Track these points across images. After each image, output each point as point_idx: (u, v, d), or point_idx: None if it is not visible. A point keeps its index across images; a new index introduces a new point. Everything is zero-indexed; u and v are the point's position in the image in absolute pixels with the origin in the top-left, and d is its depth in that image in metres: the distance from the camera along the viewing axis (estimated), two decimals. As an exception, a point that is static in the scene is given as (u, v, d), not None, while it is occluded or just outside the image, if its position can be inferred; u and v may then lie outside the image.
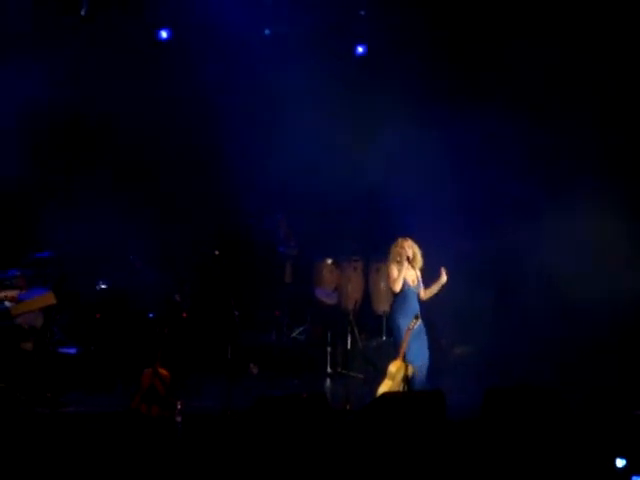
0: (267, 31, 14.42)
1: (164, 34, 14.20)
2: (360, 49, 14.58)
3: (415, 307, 10.64)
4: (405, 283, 10.64)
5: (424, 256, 10.78)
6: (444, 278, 10.63)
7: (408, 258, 10.65)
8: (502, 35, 13.41)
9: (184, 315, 13.09)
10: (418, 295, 10.74)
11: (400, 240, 10.79)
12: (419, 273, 10.77)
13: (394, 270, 10.68)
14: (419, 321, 10.44)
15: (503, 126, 13.03)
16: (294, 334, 14.42)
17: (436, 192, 13.20)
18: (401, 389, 10.25)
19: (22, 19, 13.15)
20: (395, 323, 10.64)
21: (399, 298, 10.69)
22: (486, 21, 13.62)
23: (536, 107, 13.24)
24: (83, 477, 7.97)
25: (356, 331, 13.55)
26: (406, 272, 10.68)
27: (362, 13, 14.18)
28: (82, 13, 13.57)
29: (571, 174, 13.06)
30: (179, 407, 10.22)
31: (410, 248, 10.73)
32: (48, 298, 11.05)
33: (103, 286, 13.30)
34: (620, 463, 8.06)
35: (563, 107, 13.19)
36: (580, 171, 12.99)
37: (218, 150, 14.11)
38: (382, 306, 13.88)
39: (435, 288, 10.72)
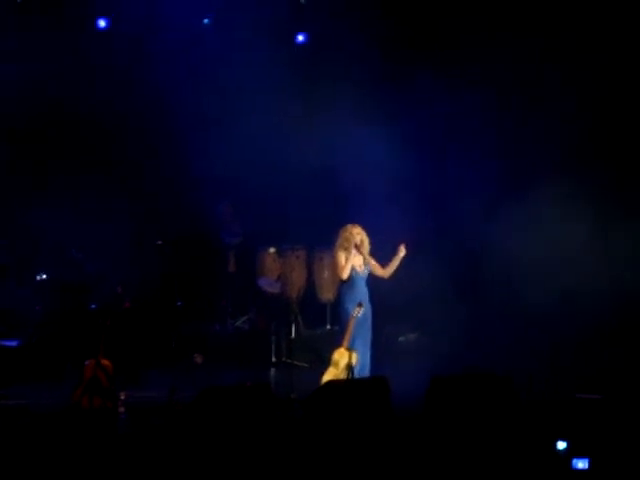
0: (206, 20, 14.34)
1: (102, 23, 14.03)
2: (300, 37, 14.57)
3: (362, 293, 10.63)
4: (352, 270, 10.63)
5: (372, 243, 10.78)
6: (402, 252, 10.61)
7: (356, 245, 10.64)
8: (457, 17, 13.42)
9: (127, 306, 13.03)
10: (365, 281, 10.73)
11: (349, 226, 10.76)
12: (368, 258, 10.74)
13: (342, 257, 10.65)
14: (363, 309, 10.44)
15: (460, 109, 13.08)
16: (238, 323, 14.39)
17: (388, 179, 13.19)
18: (345, 377, 10.26)
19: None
20: (342, 310, 10.64)
21: (346, 285, 10.67)
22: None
23: (495, 88, 13.17)
24: (25, 471, 7.88)
25: (300, 320, 13.55)
26: (354, 258, 10.67)
27: (302, 2, 14.17)
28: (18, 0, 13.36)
29: (539, 161, 13.09)
30: (122, 398, 10.18)
31: (359, 235, 10.71)
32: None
33: (43, 276, 13.18)
34: (561, 445, 8.13)
35: (529, 89, 13.14)
36: (549, 158, 13.02)
37: (161, 139, 14.01)
38: (326, 295, 13.89)
39: (395, 263, 10.65)
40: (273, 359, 13.27)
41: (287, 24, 14.33)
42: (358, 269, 10.66)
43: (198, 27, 14.16)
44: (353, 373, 10.35)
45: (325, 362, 10.64)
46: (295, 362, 12.76)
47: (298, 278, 13.85)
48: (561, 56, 12.89)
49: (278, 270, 13.97)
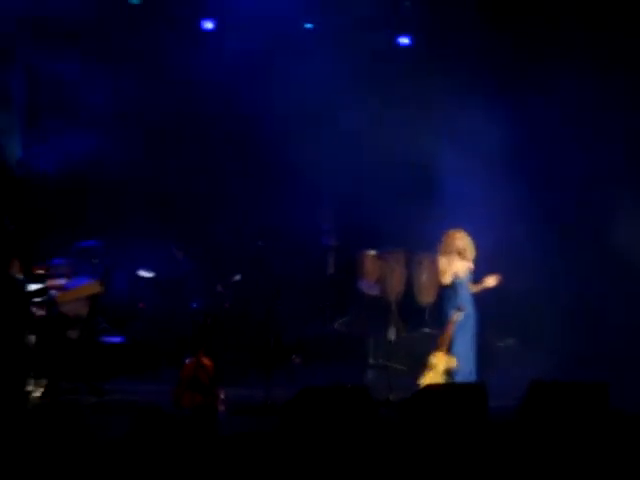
0: (308, 25, 14.40)
1: (209, 25, 14.21)
2: (405, 40, 14.53)
3: (464, 299, 10.63)
4: (455, 275, 10.64)
5: (477, 247, 10.78)
6: (490, 283, 10.61)
7: (458, 250, 10.65)
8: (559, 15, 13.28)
9: (227, 306, 13.18)
10: (468, 286, 10.74)
11: (452, 232, 10.80)
12: (471, 265, 10.75)
13: (444, 262, 10.70)
14: (462, 313, 10.43)
15: (564, 111, 12.92)
16: (336, 325, 14.43)
17: (493, 182, 13.07)
18: (443, 381, 10.25)
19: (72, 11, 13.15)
20: (443, 314, 10.68)
21: (448, 290, 10.71)
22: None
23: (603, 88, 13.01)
24: (129, 466, 8.01)
25: (399, 322, 13.54)
26: (456, 264, 10.67)
27: (407, 4, 14.14)
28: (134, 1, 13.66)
29: None
30: (222, 397, 10.32)
31: (461, 240, 10.73)
32: (93, 287, 11.16)
33: (148, 275, 13.41)
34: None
35: None
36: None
37: (261, 141, 14.10)
38: (425, 298, 13.87)
39: (479, 287, 10.71)
40: (371, 361, 13.28)
41: (389, 27, 14.34)
42: (461, 274, 10.67)
43: (299, 30, 14.23)
44: (452, 377, 10.35)
45: (423, 365, 10.65)
46: (393, 365, 12.76)
47: (397, 281, 13.84)
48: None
49: (377, 273, 13.98)
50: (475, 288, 10.74)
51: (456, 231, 10.79)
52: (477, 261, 10.82)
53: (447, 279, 10.67)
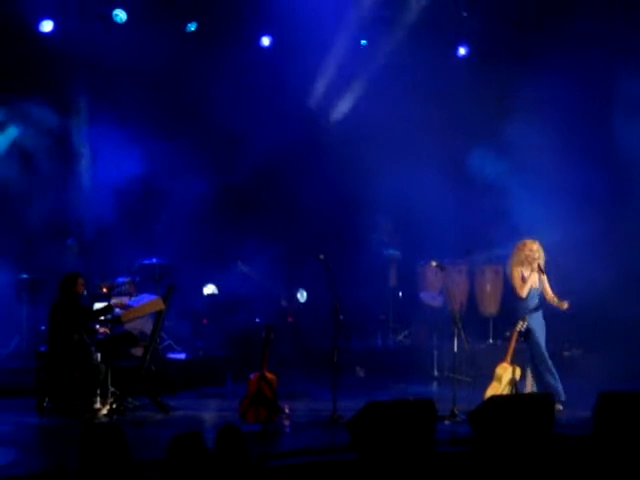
0: (364, 42, 14.42)
1: (266, 41, 14.29)
2: (462, 50, 14.51)
3: (537, 309, 10.60)
4: (531, 287, 10.59)
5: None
6: (563, 307, 10.54)
7: (534, 261, 10.55)
8: None
9: (290, 320, 13.21)
10: (539, 296, 10.65)
11: (528, 242, 10.68)
12: (543, 276, 10.66)
13: (520, 274, 10.60)
14: (526, 323, 10.34)
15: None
16: (399, 337, 14.38)
17: (560, 191, 12.98)
18: (508, 392, 10.18)
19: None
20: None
21: (522, 301, 10.63)
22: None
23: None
24: None
25: (462, 334, 13.44)
26: (531, 275, 10.59)
27: (465, 14, 14.10)
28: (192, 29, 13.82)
29: None
30: (287, 411, 10.32)
31: (538, 252, 10.63)
32: (157, 304, 11.20)
33: (211, 291, 13.50)
34: None
35: None
36: None
37: (319, 156, 14.12)
38: (488, 309, 13.78)
39: (551, 301, 10.63)
40: (435, 373, 13.21)
41: (447, 38, 14.33)
42: (534, 286, 10.60)
43: (357, 47, 14.26)
44: (517, 388, 10.26)
45: (488, 376, 10.58)
46: (457, 376, 12.66)
47: (460, 292, 13.74)
48: None
49: (440, 284, 13.90)
50: (552, 301, 10.63)
51: (532, 242, 10.68)
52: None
53: (525, 292, 10.58)
